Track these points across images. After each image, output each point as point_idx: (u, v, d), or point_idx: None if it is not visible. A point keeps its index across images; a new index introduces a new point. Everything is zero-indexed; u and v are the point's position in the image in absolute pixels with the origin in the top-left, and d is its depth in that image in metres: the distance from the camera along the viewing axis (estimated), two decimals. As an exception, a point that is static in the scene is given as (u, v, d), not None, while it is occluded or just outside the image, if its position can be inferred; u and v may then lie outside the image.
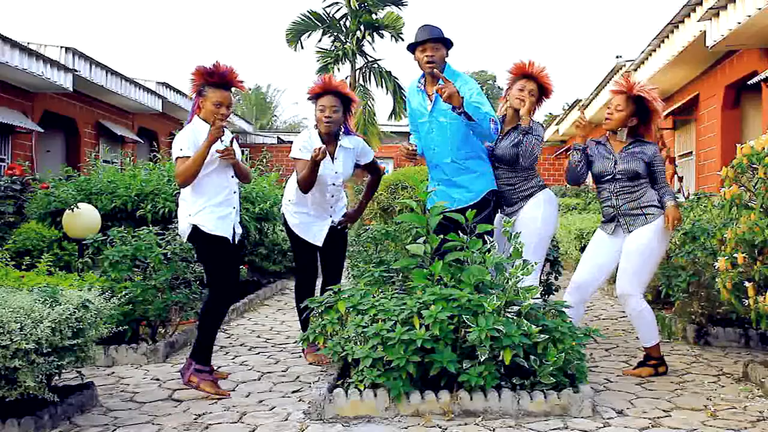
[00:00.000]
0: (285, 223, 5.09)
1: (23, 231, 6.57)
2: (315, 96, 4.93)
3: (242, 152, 4.91)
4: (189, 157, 4.20)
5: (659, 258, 4.60)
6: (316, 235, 5.02)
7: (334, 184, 4.99)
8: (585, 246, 7.13)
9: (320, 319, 4.39)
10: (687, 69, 11.64)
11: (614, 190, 4.56)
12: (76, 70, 13.24)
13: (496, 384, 3.69)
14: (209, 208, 4.28)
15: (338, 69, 16.33)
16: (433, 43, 4.59)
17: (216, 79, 4.36)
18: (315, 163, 4.66)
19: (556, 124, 21.15)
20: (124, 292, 4.78)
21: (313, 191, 4.87)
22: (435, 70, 4.52)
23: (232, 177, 4.44)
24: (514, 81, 4.74)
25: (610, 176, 4.56)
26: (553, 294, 5.94)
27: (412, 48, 4.68)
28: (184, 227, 4.35)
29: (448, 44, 4.66)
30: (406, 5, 13.64)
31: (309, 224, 5.00)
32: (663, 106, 4.67)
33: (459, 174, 4.66)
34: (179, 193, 4.46)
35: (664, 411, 3.82)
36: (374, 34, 13.71)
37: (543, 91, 4.71)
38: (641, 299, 4.52)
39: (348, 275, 5.68)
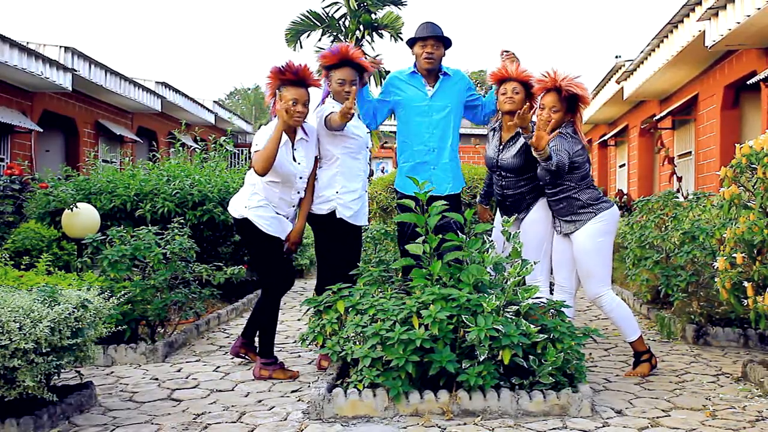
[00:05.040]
0: (331, 215, 4.73)
1: (22, 231, 6.56)
2: (330, 66, 4.71)
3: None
4: None
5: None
6: (360, 215, 4.83)
7: (367, 147, 4.89)
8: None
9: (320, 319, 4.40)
10: (686, 69, 11.64)
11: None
12: (75, 70, 13.23)
13: (495, 384, 3.69)
14: (269, 207, 4.55)
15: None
16: (434, 40, 4.68)
17: (290, 77, 4.48)
18: (346, 117, 4.42)
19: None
20: (123, 292, 4.77)
21: (349, 160, 4.71)
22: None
23: (298, 193, 4.66)
24: (498, 89, 4.74)
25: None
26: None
27: (411, 42, 4.75)
28: (238, 213, 4.59)
29: (447, 44, 4.73)
30: (405, 5, 13.58)
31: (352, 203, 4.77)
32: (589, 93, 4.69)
33: (453, 160, 4.85)
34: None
35: (663, 411, 3.82)
36: (373, 33, 13.68)
37: (528, 88, 4.66)
38: (613, 294, 4.59)
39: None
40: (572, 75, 4.51)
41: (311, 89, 4.62)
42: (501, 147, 4.71)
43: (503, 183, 4.73)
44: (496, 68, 4.75)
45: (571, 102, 4.56)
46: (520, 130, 4.44)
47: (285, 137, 4.51)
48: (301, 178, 4.62)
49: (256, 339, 4.81)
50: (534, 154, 4.29)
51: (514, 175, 4.67)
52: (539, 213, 4.66)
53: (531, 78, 4.63)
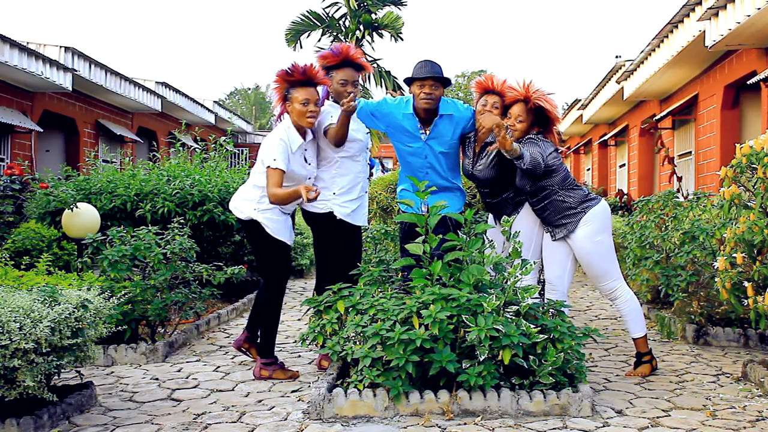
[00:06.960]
0: (326, 217, 4.74)
1: (22, 231, 6.56)
2: (331, 66, 4.70)
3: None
4: (281, 170, 4.35)
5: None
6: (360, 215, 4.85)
7: (367, 149, 4.92)
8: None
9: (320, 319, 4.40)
10: (686, 69, 11.65)
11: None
12: (75, 70, 13.24)
13: (496, 384, 3.69)
14: (277, 210, 4.52)
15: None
16: (433, 80, 4.57)
17: (298, 77, 4.47)
18: (348, 116, 4.44)
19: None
20: (123, 292, 4.77)
21: (349, 163, 4.72)
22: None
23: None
24: (479, 98, 4.72)
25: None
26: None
27: (409, 81, 4.65)
28: (245, 215, 4.55)
29: (446, 84, 4.64)
30: (405, 5, 13.58)
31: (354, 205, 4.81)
32: (562, 114, 4.63)
33: (446, 191, 4.75)
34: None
35: (663, 411, 3.83)
36: (373, 33, 13.68)
37: (507, 105, 4.64)
38: (627, 287, 4.61)
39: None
40: (545, 90, 4.53)
41: (318, 87, 4.61)
42: (474, 159, 4.73)
43: (484, 192, 4.78)
44: (483, 77, 4.71)
45: (539, 116, 4.58)
46: (490, 139, 4.50)
47: (299, 140, 4.49)
48: (309, 178, 4.63)
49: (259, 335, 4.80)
50: (506, 156, 4.33)
51: (490, 187, 4.71)
52: (526, 213, 4.66)
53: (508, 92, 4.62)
